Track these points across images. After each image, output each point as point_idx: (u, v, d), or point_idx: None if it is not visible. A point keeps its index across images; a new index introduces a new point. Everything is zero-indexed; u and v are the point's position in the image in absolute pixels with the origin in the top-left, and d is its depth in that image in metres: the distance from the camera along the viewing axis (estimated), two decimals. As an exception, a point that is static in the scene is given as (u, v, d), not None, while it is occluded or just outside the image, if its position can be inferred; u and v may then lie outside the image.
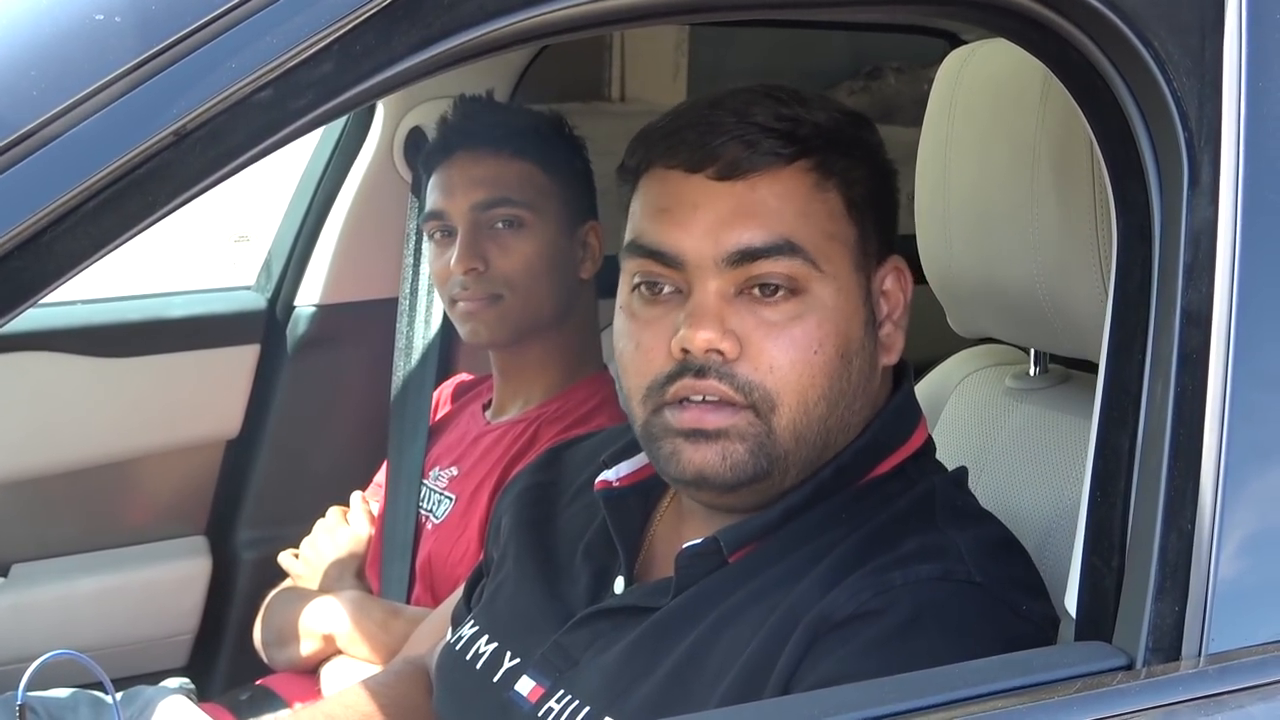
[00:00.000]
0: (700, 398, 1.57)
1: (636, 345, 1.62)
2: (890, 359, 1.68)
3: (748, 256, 1.57)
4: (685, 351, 1.56)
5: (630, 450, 1.78)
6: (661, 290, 1.61)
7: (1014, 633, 1.48)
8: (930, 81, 2.09)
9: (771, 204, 1.58)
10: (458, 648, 1.82)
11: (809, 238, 1.58)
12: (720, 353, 1.56)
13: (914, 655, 1.41)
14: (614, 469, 1.78)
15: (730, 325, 1.56)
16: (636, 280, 1.63)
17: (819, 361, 1.58)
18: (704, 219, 1.58)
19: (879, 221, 1.67)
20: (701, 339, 1.55)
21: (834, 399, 1.59)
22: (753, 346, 1.57)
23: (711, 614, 1.58)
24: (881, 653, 1.43)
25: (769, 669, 1.49)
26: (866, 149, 1.67)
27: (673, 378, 1.58)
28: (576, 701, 1.61)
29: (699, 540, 1.63)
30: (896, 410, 1.68)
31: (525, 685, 1.68)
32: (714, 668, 1.52)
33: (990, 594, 1.51)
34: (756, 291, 1.58)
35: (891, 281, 1.68)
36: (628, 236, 1.66)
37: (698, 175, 1.59)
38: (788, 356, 1.57)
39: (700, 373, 1.56)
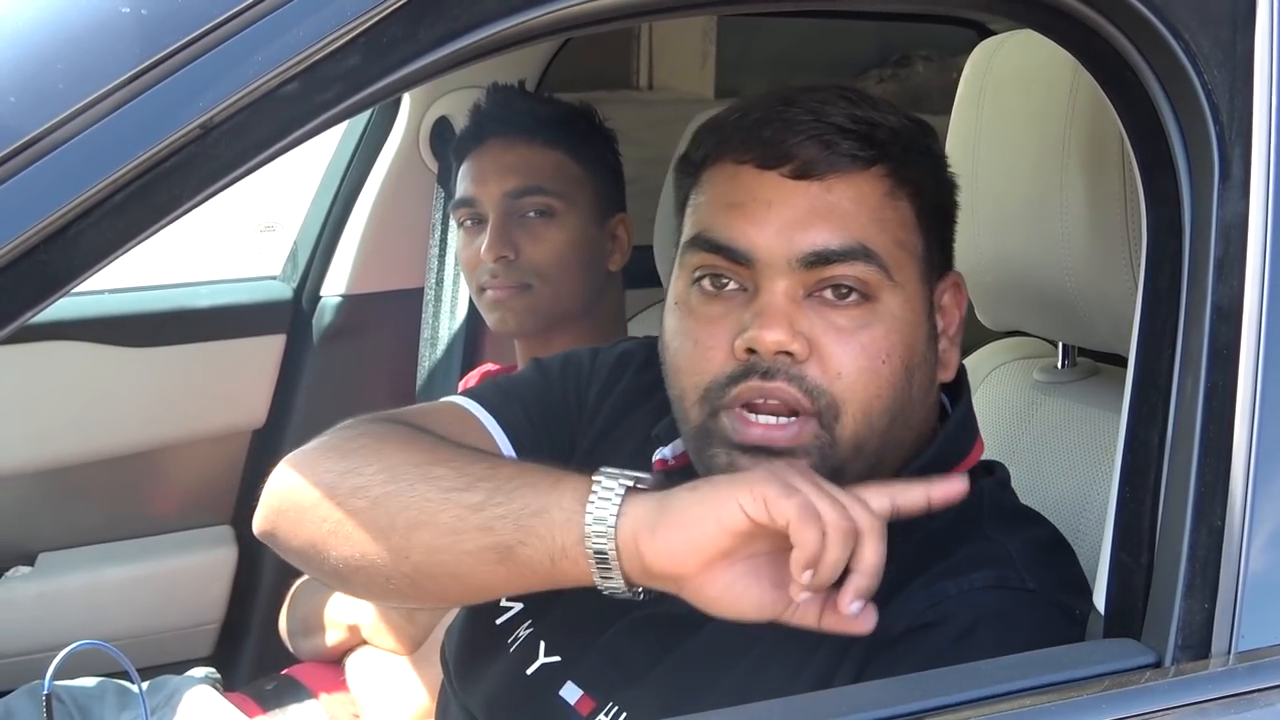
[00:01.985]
0: (764, 401, 1.51)
1: (695, 343, 1.56)
2: (946, 375, 1.65)
3: (822, 259, 1.52)
4: (750, 352, 1.51)
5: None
6: (725, 286, 1.56)
7: (1069, 637, 1.46)
8: (958, 70, 2.08)
9: (847, 207, 1.54)
10: (497, 621, 1.76)
11: (882, 245, 1.54)
12: (790, 354, 1.50)
13: None
14: (669, 445, 1.71)
15: (799, 327, 1.52)
16: (698, 274, 1.58)
17: (886, 372, 1.53)
18: (778, 217, 1.53)
19: (942, 234, 1.64)
20: (771, 339, 1.50)
21: (895, 412, 1.55)
22: (822, 351, 1.52)
23: (768, 631, 1.52)
24: (939, 664, 1.39)
25: (827, 685, 1.47)
26: (934, 159, 1.64)
27: (736, 379, 1.52)
28: (628, 716, 1.58)
29: None
30: (958, 426, 1.65)
31: (572, 693, 1.64)
32: (773, 684, 1.49)
33: (1045, 600, 1.50)
34: (828, 294, 1.53)
35: (949, 297, 1.64)
36: (691, 230, 1.60)
37: (771, 172, 1.55)
38: (856, 363, 1.52)
39: (768, 374, 1.51)
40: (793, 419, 1.51)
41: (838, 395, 1.52)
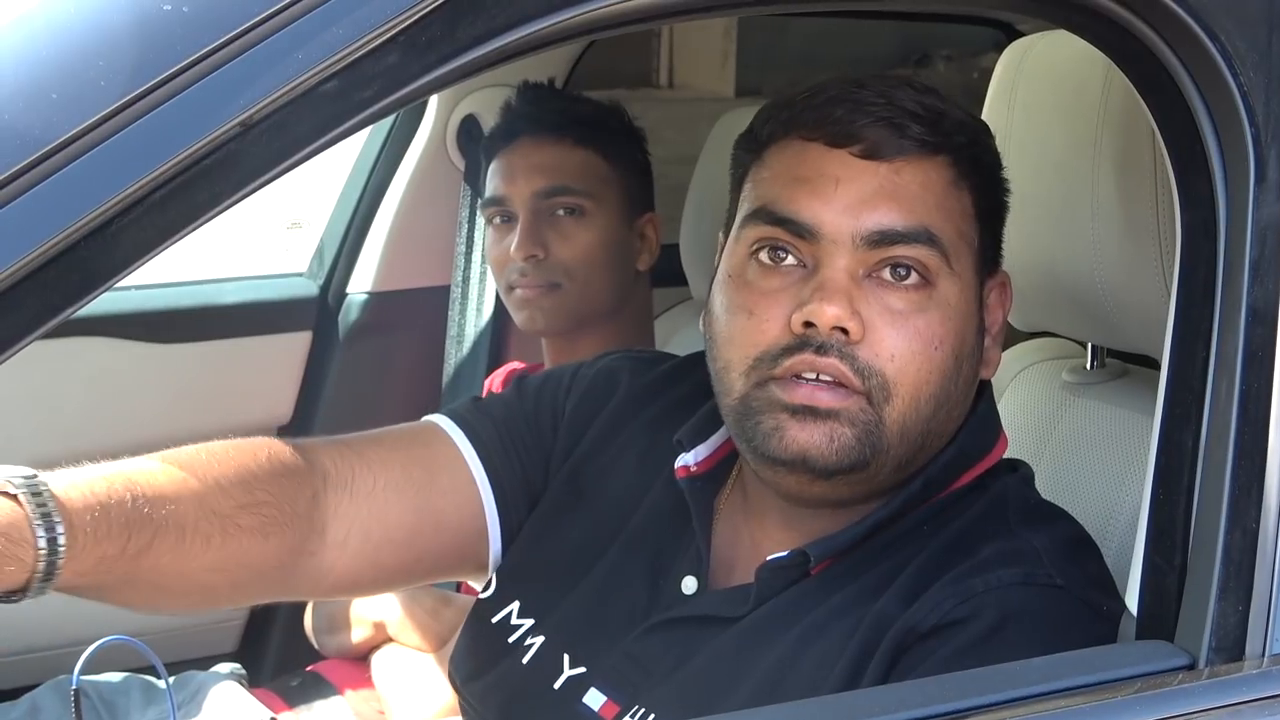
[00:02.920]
0: (815, 375, 1.52)
1: (750, 314, 1.56)
2: (988, 373, 1.66)
3: (887, 239, 1.53)
4: (807, 326, 1.52)
5: (705, 429, 1.72)
6: (784, 260, 1.56)
7: (1096, 634, 1.47)
8: (979, 70, 2.08)
9: (914, 190, 1.55)
10: (495, 621, 1.76)
11: (945, 231, 1.55)
12: (845, 332, 1.51)
13: (1000, 663, 1.39)
14: (692, 452, 1.71)
15: (856, 306, 1.52)
16: (757, 246, 1.58)
17: (938, 359, 1.54)
18: (845, 195, 1.54)
19: (995, 232, 1.65)
20: (831, 314, 1.50)
21: (941, 400, 1.56)
22: (876, 332, 1.52)
23: (795, 629, 1.55)
24: (967, 662, 1.41)
25: (856, 684, 1.47)
26: (994, 156, 1.65)
27: (790, 351, 1.53)
28: (654, 718, 1.57)
29: (784, 554, 1.59)
30: (980, 422, 1.65)
31: (595, 699, 1.64)
32: (801, 685, 1.50)
33: (1072, 596, 1.50)
34: (887, 274, 1.54)
35: (996, 295, 1.65)
36: (753, 203, 1.60)
37: (840, 151, 1.55)
38: (910, 347, 1.53)
39: (821, 349, 1.51)
40: (840, 388, 1.52)
41: (890, 377, 1.53)
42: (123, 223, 1.11)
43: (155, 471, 1.51)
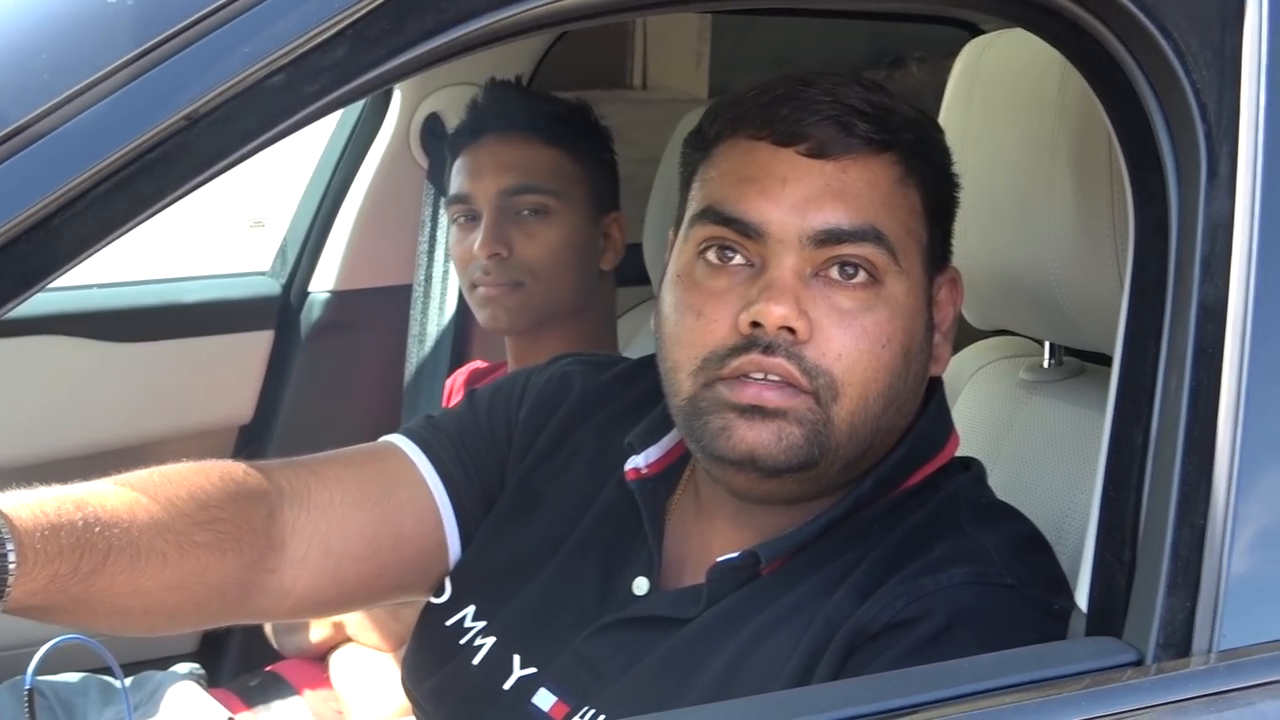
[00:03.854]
0: (762, 375, 1.52)
1: (698, 314, 1.56)
2: (938, 369, 1.65)
3: (833, 238, 1.53)
4: (754, 326, 1.52)
5: (657, 431, 1.72)
6: (732, 260, 1.56)
7: (1047, 632, 1.47)
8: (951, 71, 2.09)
9: (861, 189, 1.55)
10: (448, 624, 1.76)
11: (892, 229, 1.55)
12: (792, 332, 1.51)
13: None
14: (643, 454, 1.71)
15: (804, 306, 1.52)
16: (705, 246, 1.58)
17: (886, 357, 1.54)
18: (792, 194, 1.54)
19: (945, 228, 1.65)
20: (778, 314, 1.50)
21: (890, 398, 1.56)
22: (823, 332, 1.52)
23: (746, 629, 1.55)
24: (917, 662, 1.40)
25: (807, 684, 1.47)
26: (942, 153, 1.65)
27: (737, 352, 1.52)
28: (605, 718, 1.57)
29: (735, 554, 1.59)
30: (932, 420, 1.65)
31: (545, 699, 1.63)
32: (752, 685, 1.49)
33: (1023, 595, 1.50)
34: (834, 272, 1.54)
35: (946, 291, 1.66)
36: (701, 203, 1.60)
37: (787, 150, 1.55)
38: (858, 346, 1.53)
39: (769, 349, 1.51)
40: (788, 386, 1.52)
41: (837, 377, 1.53)
42: (65, 217, 1.11)
43: (107, 493, 1.51)
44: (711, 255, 1.57)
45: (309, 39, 1.15)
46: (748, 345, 1.52)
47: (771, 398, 1.52)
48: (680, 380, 1.58)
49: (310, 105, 1.18)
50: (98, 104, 1.10)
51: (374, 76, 1.20)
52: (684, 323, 1.58)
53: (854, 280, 1.54)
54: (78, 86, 1.09)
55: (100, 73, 1.10)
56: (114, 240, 1.14)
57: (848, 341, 1.53)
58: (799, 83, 1.58)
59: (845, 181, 1.55)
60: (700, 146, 1.65)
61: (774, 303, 1.51)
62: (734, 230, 1.56)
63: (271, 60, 1.14)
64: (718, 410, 1.54)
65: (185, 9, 1.12)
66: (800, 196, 1.54)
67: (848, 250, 1.53)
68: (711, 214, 1.58)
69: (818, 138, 1.55)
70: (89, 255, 1.13)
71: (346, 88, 1.19)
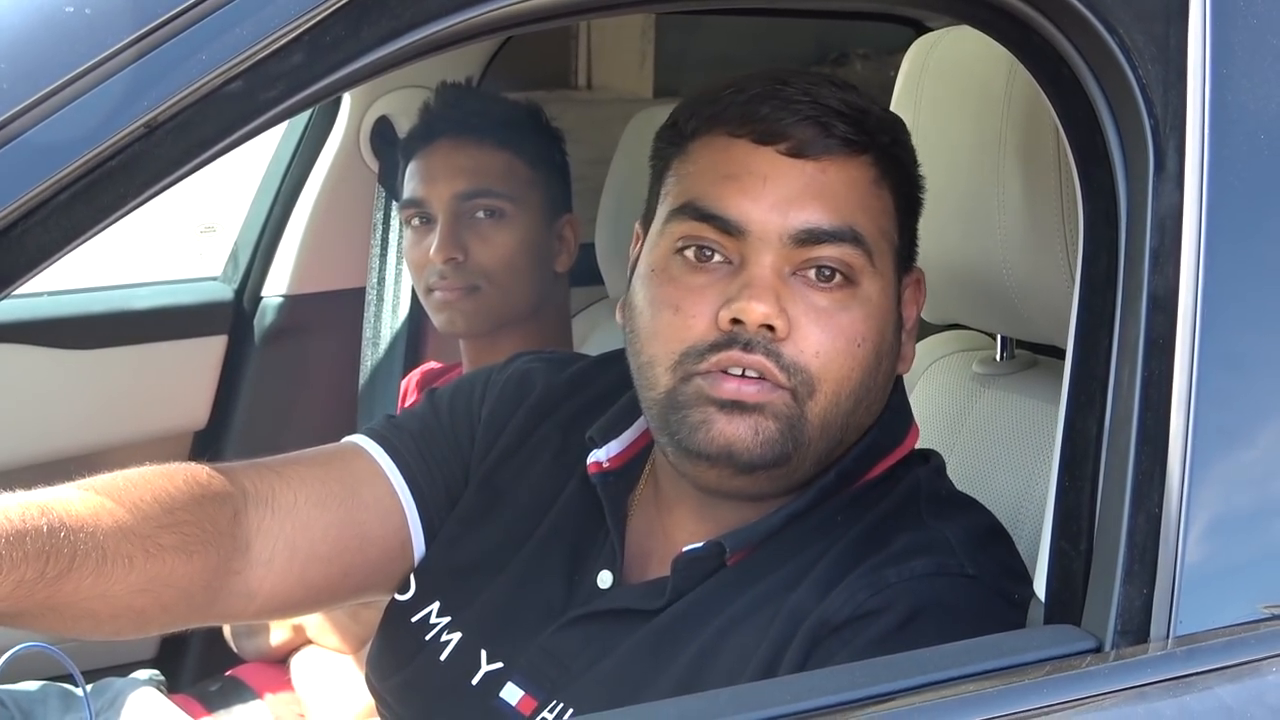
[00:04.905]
0: (741, 371, 1.53)
1: (676, 310, 1.57)
2: (904, 368, 1.67)
3: (813, 238, 1.54)
4: (735, 323, 1.53)
5: (618, 425, 1.73)
6: (711, 258, 1.57)
7: (1009, 622, 1.48)
8: (896, 68, 2.10)
9: (840, 189, 1.56)
10: (413, 621, 1.76)
11: (869, 231, 1.57)
12: (772, 329, 1.52)
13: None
14: (604, 448, 1.73)
15: (783, 304, 1.53)
16: (683, 244, 1.58)
17: (860, 355, 1.56)
18: (773, 192, 1.55)
19: (912, 229, 1.67)
20: (759, 311, 1.51)
21: (861, 396, 1.58)
22: (801, 330, 1.53)
23: (713, 621, 1.56)
24: (881, 653, 1.41)
25: (773, 675, 1.48)
26: (912, 155, 1.67)
27: (717, 347, 1.53)
28: (573, 712, 1.58)
29: (700, 544, 1.60)
30: (893, 413, 1.67)
31: (513, 694, 1.64)
32: (720, 677, 1.51)
33: (984, 585, 1.52)
34: (811, 274, 1.55)
35: (911, 292, 1.67)
36: (679, 199, 1.60)
37: (767, 148, 1.56)
38: (834, 345, 1.54)
39: (748, 346, 1.52)
40: (766, 382, 1.53)
41: (814, 374, 1.54)
42: (28, 225, 1.11)
43: (71, 498, 1.50)
44: (690, 253, 1.58)
45: (266, 46, 1.15)
46: (728, 341, 1.53)
47: (750, 392, 1.53)
48: (657, 374, 1.59)
49: (268, 111, 1.18)
50: (57, 112, 1.10)
51: (331, 82, 1.20)
52: (661, 317, 1.59)
53: (830, 282, 1.55)
54: (37, 95, 1.09)
55: (59, 81, 1.10)
56: (76, 248, 1.14)
57: (825, 340, 1.54)
58: (776, 81, 1.58)
59: (825, 182, 1.56)
60: (675, 141, 1.65)
61: (756, 300, 1.52)
62: (713, 227, 1.56)
63: (229, 67, 1.14)
64: (698, 404, 1.55)
65: (143, 17, 1.12)
66: (781, 195, 1.55)
67: (826, 251, 1.55)
68: (691, 210, 1.58)
69: (798, 137, 1.56)
70: (51, 263, 1.13)
71: (304, 93, 1.19)
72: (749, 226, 1.55)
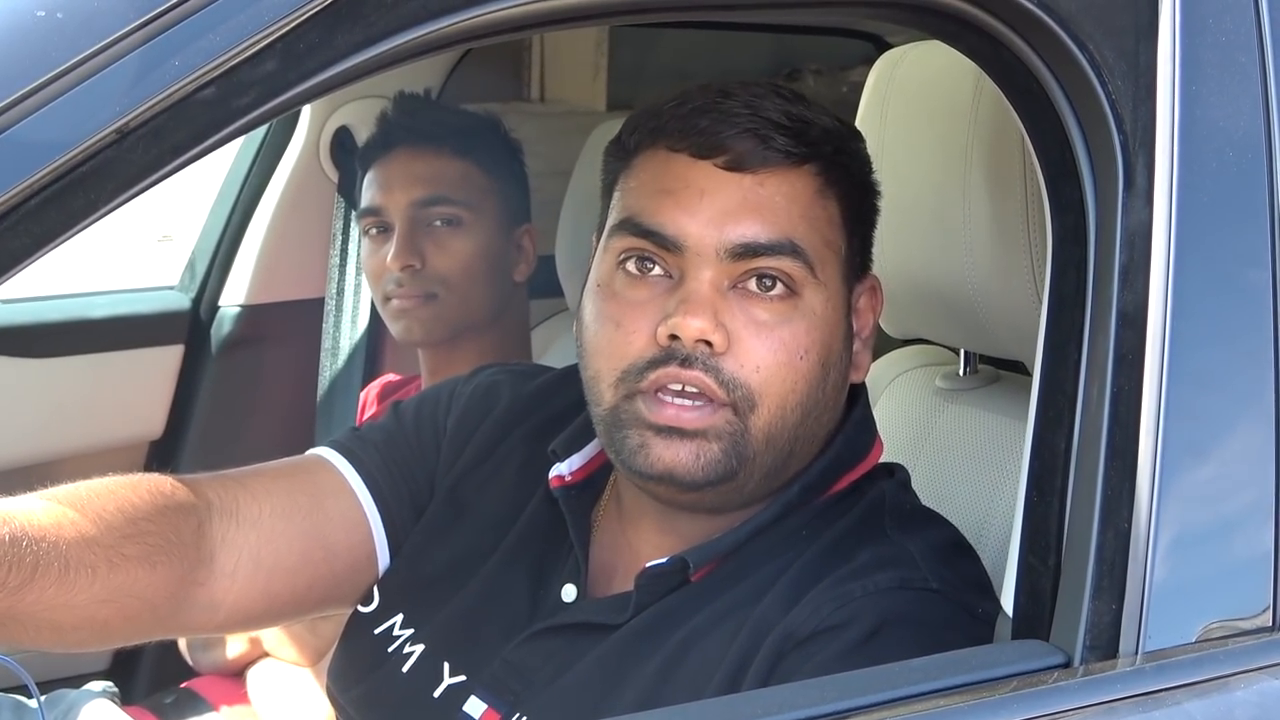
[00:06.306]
0: (680, 387, 1.53)
1: (617, 325, 1.57)
2: (858, 377, 1.67)
3: (750, 251, 1.54)
4: (672, 338, 1.52)
5: (580, 439, 1.73)
6: (650, 271, 1.57)
7: (973, 636, 1.48)
8: (848, 84, 2.10)
9: (778, 202, 1.56)
10: (376, 632, 1.75)
11: (810, 242, 1.56)
12: (709, 344, 1.52)
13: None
14: (566, 462, 1.72)
15: (721, 319, 1.53)
16: (624, 257, 1.58)
17: (803, 368, 1.55)
18: (710, 207, 1.55)
19: (864, 237, 1.67)
20: (695, 327, 1.51)
21: (808, 408, 1.57)
22: (741, 344, 1.53)
23: (676, 635, 1.55)
24: (845, 667, 1.42)
25: (737, 690, 1.47)
26: (862, 163, 1.66)
27: (655, 364, 1.53)
28: None
29: (664, 560, 1.60)
30: (856, 426, 1.67)
31: (476, 707, 1.63)
32: (683, 691, 1.50)
33: (948, 599, 1.52)
34: (752, 285, 1.55)
35: (865, 300, 1.67)
36: (620, 214, 1.61)
37: (705, 162, 1.56)
38: (775, 358, 1.54)
39: (686, 362, 1.52)
40: (706, 403, 1.53)
41: (755, 388, 1.53)
42: (-3, 231, 1.10)
43: (33, 509, 1.49)
44: (631, 266, 1.58)
45: (239, 52, 1.15)
46: (666, 357, 1.53)
47: (690, 419, 1.53)
48: (601, 390, 1.59)
49: (241, 118, 1.18)
50: (27, 118, 1.09)
51: (304, 89, 1.20)
52: (604, 333, 1.59)
53: (771, 292, 1.55)
54: (7, 100, 1.08)
55: (30, 86, 1.09)
56: (46, 254, 1.13)
57: (765, 353, 1.54)
58: (718, 94, 1.58)
59: (763, 195, 1.56)
60: (620, 156, 1.65)
61: (691, 315, 1.52)
62: (652, 242, 1.56)
63: (202, 73, 1.14)
64: (636, 427, 1.55)
65: (114, 22, 1.12)
66: (718, 209, 1.55)
67: (764, 263, 1.54)
68: (630, 225, 1.59)
69: (736, 150, 1.56)
70: (20, 269, 1.12)
71: (276, 100, 1.19)
72: (685, 241, 1.55)
